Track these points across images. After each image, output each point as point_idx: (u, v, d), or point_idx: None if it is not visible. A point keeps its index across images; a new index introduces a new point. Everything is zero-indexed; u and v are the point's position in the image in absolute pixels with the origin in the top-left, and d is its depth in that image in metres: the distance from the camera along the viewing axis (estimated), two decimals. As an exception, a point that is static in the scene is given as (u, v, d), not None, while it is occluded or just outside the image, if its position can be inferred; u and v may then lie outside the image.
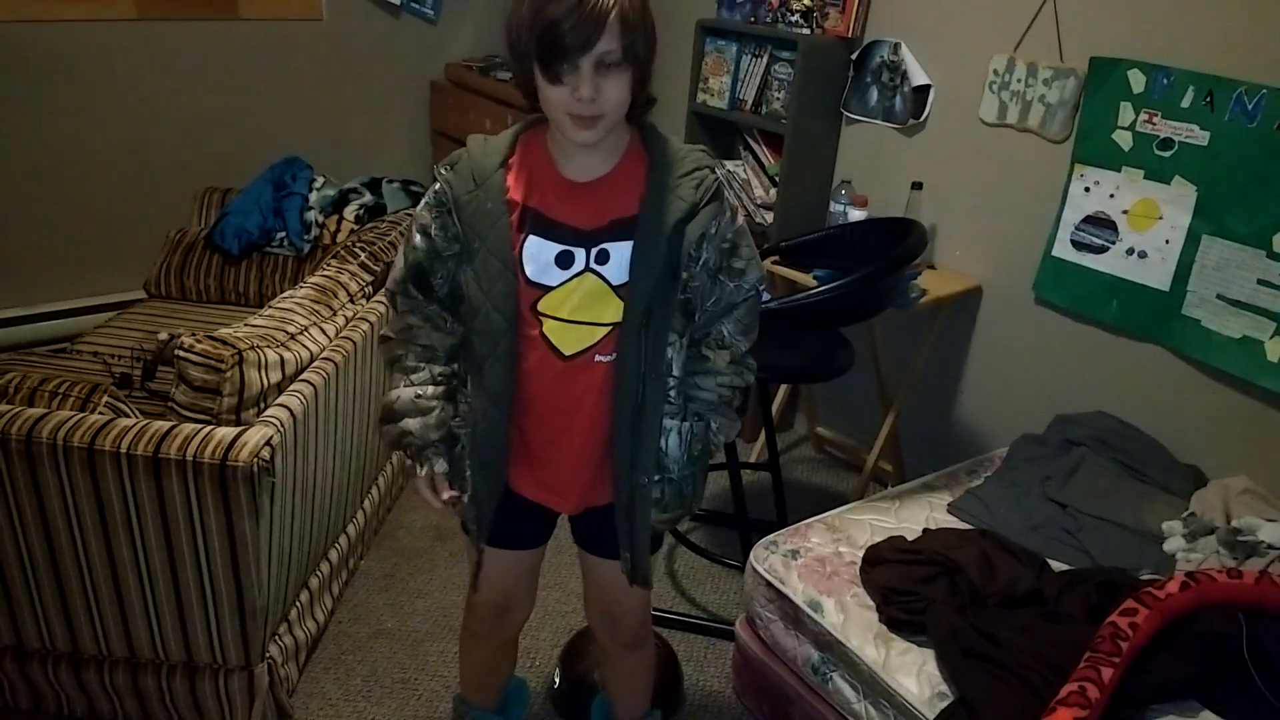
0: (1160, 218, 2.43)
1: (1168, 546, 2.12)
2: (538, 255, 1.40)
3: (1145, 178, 2.44)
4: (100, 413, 1.86)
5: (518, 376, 1.46)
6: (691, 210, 1.37)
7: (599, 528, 1.61)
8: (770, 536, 2.15)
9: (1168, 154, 2.38)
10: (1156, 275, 2.45)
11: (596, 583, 1.73)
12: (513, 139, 1.44)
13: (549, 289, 1.40)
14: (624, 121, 1.39)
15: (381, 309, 2.51)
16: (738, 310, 1.48)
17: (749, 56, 3.21)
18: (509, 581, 1.74)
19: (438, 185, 1.45)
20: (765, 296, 1.53)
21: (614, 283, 1.39)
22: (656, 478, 1.49)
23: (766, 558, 2.07)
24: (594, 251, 1.39)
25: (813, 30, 3.06)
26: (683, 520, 1.61)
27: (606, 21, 1.24)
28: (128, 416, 1.87)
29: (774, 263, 2.89)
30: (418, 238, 1.46)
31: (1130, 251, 2.50)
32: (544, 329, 1.43)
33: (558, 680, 2.22)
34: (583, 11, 1.23)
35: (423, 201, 1.49)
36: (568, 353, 1.44)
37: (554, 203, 1.40)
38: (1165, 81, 2.35)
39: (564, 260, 1.39)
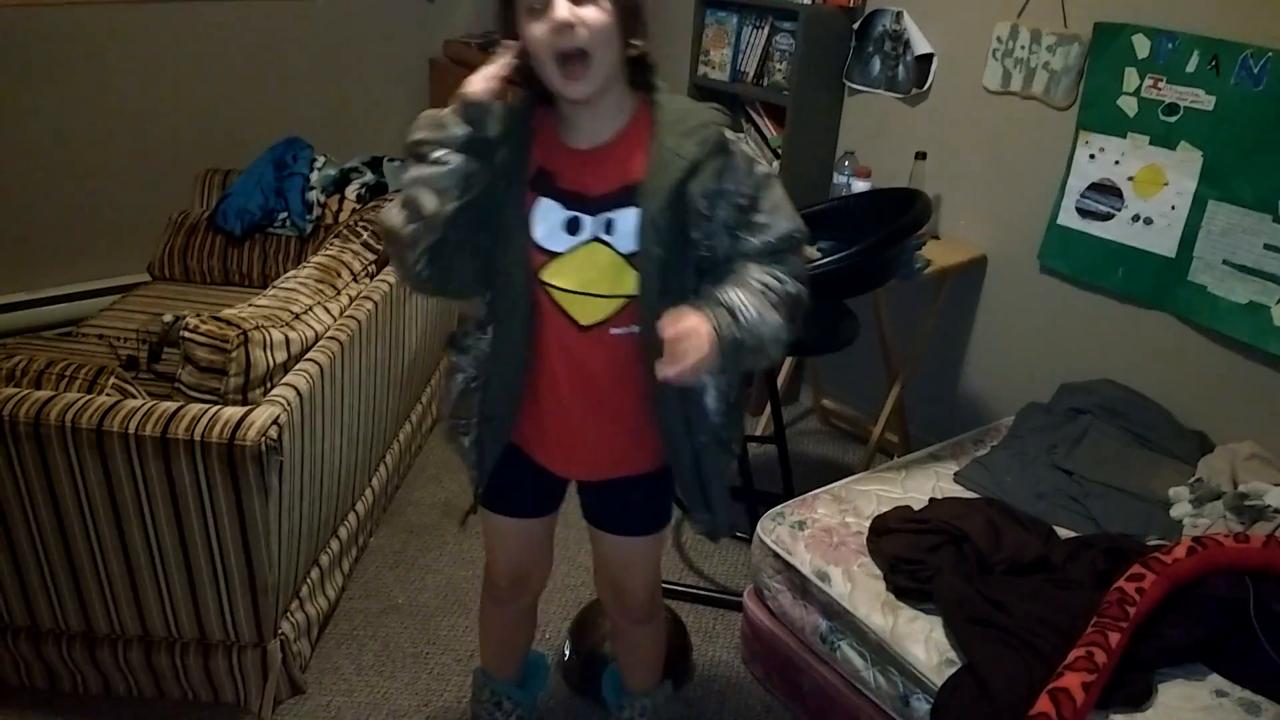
0: (1166, 184, 2.41)
1: (1174, 512, 2.13)
2: (546, 217, 1.39)
3: (1150, 144, 2.42)
4: (107, 394, 1.87)
5: (536, 340, 1.45)
6: (693, 167, 1.34)
7: (609, 502, 1.62)
8: (777, 508, 2.15)
9: (1173, 119, 2.37)
10: (1162, 242, 2.44)
11: (606, 557, 1.74)
12: (532, 102, 1.42)
13: (555, 255, 1.40)
14: (626, 87, 1.38)
15: (386, 287, 2.51)
16: (766, 257, 1.40)
17: (750, 28, 3.19)
18: (522, 548, 1.76)
19: (475, 108, 1.35)
20: (811, 249, 1.46)
21: (624, 251, 1.38)
22: (703, 436, 1.50)
23: (774, 529, 2.08)
24: (601, 220, 1.38)
25: (814, 0, 3.03)
26: (729, 464, 1.59)
27: None
28: (135, 398, 1.88)
29: (777, 235, 2.87)
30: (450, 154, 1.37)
31: (1136, 218, 2.48)
32: (554, 298, 1.42)
33: (568, 653, 2.24)
34: None
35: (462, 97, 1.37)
36: (585, 323, 1.43)
37: (563, 169, 1.40)
38: (1170, 46, 2.33)
39: (572, 226, 1.39)
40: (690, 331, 1.27)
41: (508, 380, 1.49)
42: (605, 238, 1.38)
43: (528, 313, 1.43)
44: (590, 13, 1.27)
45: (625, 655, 1.95)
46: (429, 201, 1.34)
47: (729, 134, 1.39)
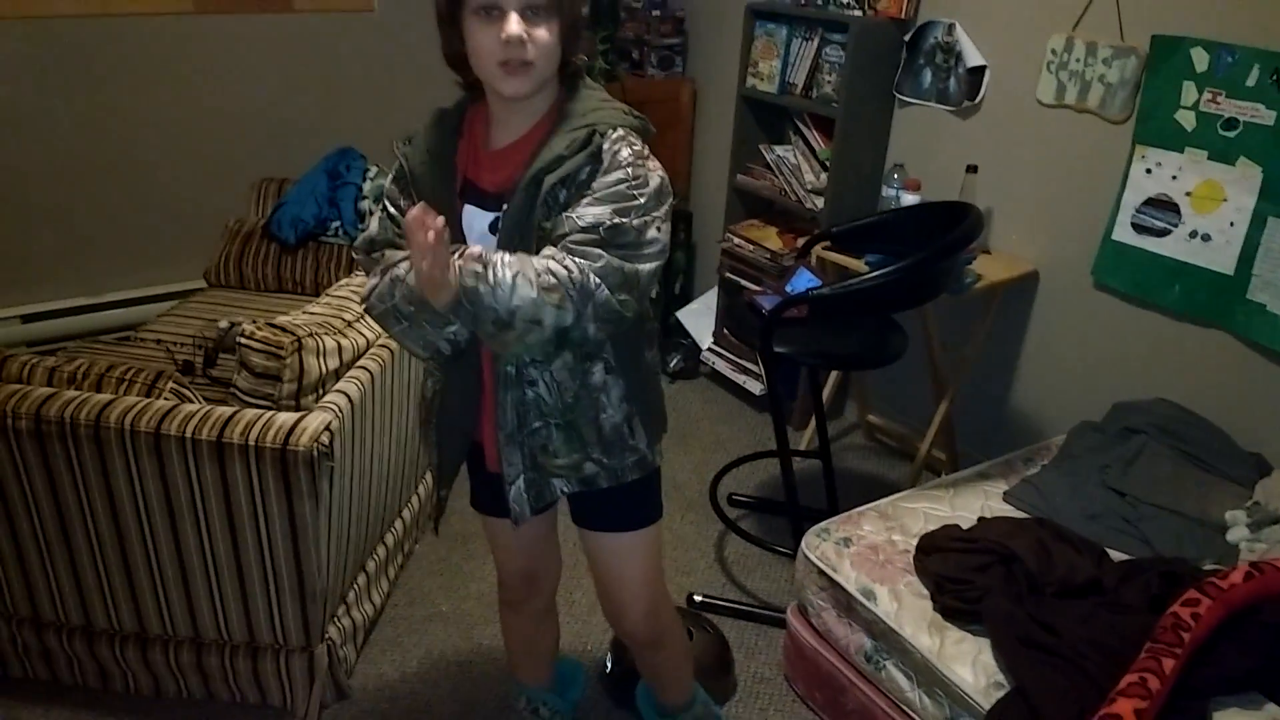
0: (1225, 199, 2.36)
1: (1231, 536, 2.08)
2: (472, 224, 1.43)
3: (1209, 159, 2.37)
4: (165, 399, 1.91)
5: (482, 345, 1.46)
6: (555, 161, 1.35)
7: (582, 497, 1.60)
8: (822, 524, 2.14)
9: (1232, 134, 2.32)
10: (1220, 258, 2.39)
11: (592, 560, 1.73)
12: (461, 110, 1.49)
13: None
14: (553, 85, 1.41)
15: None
16: (569, 238, 1.34)
17: (799, 39, 3.19)
18: (522, 547, 1.77)
19: (398, 161, 1.49)
20: (636, 251, 1.36)
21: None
22: (538, 424, 1.48)
23: (818, 545, 2.07)
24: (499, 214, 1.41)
25: (864, 12, 3.02)
26: (585, 466, 1.52)
27: None
28: (192, 402, 1.92)
29: (825, 248, 2.87)
30: (388, 208, 1.49)
31: (1193, 234, 2.44)
32: None
33: (610, 665, 2.24)
34: None
35: (386, 178, 1.52)
36: None
37: (482, 171, 1.44)
38: (1229, 60, 2.28)
39: (494, 227, 1.41)
40: (441, 250, 1.24)
41: (463, 383, 1.52)
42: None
43: None
44: (540, 33, 1.31)
45: (645, 674, 1.95)
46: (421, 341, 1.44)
47: (613, 134, 1.37)
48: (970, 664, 1.74)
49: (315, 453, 1.81)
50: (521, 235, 1.37)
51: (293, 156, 3.60)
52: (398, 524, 2.52)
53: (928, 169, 3.03)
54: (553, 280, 1.30)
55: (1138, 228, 2.55)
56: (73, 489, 1.88)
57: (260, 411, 1.87)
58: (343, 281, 2.42)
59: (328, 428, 1.85)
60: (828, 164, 3.20)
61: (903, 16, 2.99)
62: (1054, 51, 2.65)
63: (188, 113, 3.57)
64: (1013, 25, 2.76)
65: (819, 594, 2.05)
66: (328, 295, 2.33)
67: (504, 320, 1.30)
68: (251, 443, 1.80)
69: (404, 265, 1.39)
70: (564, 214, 1.35)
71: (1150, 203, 2.51)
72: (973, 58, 2.86)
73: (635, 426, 1.53)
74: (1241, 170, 2.32)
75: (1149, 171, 2.50)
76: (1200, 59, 2.34)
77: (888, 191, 3.01)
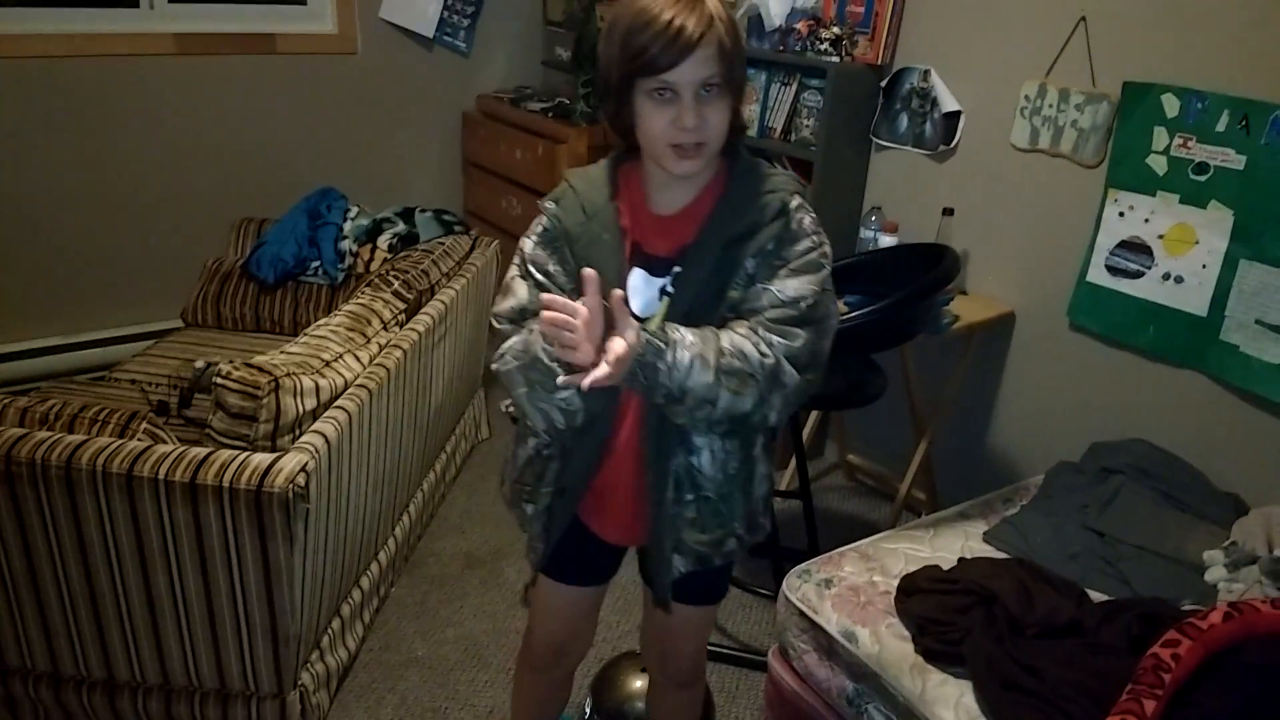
0: (1197, 242, 2.40)
1: (1209, 576, 2.08)
2: (642, 289, 1.38)
3: (1181, 202, 2.41)
4: (139, 439, 1.89)
5: (618, 406, 1.43)
6: (749, 229, 1.33)
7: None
8: (803, 565, 2.13)
9: (1203, 178, 2.36)
10: (1193, 300, 2.42)
11: (658, 621, 1.67)
12: (613, 169, 1.44)
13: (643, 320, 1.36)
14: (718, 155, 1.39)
15: (415, 336, 2.53)
16: (768, 321, 1.33)
17: (778, 84, 3.23)
18: (570, 617, 1.72)
19: (545, 221, 1.44)
20: (826, 323, 1.36)
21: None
22: (690, 497, 1.44)
23: (799, 586, 2.05)
24: (667, 280, 1.38)
25: (842, 58, 3.07)
26: (727, 543, 1.50)
27: (699, 43, 1.24)
28: (165, 443, 1.89)
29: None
30: (535, 274, 1.43)
31: (1166, 276, 2.47)
32: None
33: (588, 711, 2.20)
34: (671, 34, 1.24)
35: (529, 240, 1.45)
36: None
37: (648, 235, 1.40)
38: (1199, 105, 2.33)
39: (663, 292, 1.38)
40: (618, 341, 1.22)
41: (588, 451, 1.46)
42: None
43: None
44: (713, 114, 1.29)
45: (659, 714, 1.91)
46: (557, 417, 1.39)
47: (794, 201, 1.37)
48: (953, 707, 1.73)
49: (290, 494, 1.79)
50: (706, 302, 1.34)
51: (273, 196, 3.60)
52: (374, 566, 2.48)
53: (905, 211, 3.06)
54: (737, 365, 1.28)
55: (1112, 270, 2.58)
56: (42, 531, 1.85)
57: (235, 452, 1.85)
58: (321, 321, 2.41)
59: (303, 469, 1.82)
60: (806, 206, 3.22)
61: (879, 63, 3.04)
62: (1027, 97, 2.70)
63: (168, 152, 3.56)
64: (987, 72, 2.81)
65: (800, 636, 2.03)
66: (306, 335, 2.32)
67: (675, 397, 1.29)
68: (225, 484, 1.77)
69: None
70: (759, 285, 1.33)
71: (1123, 245, 2.54)
72: (948, 103, 2.91)
73: (769, 503, 1.52)
74: (1213, 213, 2.35)
75: (1122, 215, 2.54)
76: (1171, 105, 2.39)
77: (866, 233, 3.04)
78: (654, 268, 1.39)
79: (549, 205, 1.45)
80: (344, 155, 3.92)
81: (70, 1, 3.28)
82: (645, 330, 1.27)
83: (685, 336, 1.28)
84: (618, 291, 1.22)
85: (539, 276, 1.43)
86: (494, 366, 1.42)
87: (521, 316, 1.42)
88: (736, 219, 1.34)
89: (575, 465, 1.47)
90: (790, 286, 1.33)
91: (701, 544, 1.48)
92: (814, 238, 1.36)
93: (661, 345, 1.26)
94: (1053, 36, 2.61)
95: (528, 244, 1.46)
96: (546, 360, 1.31)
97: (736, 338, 1.30)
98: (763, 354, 1.30)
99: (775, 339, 1.31)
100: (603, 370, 1.22)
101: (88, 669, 2.01)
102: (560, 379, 1.28)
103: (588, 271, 1.23)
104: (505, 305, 1.44)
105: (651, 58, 1.25)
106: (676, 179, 1.37)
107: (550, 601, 1.71)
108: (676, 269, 1.37)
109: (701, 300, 1.35)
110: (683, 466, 1.42)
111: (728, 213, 1.36)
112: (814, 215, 1.38)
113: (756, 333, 1.31)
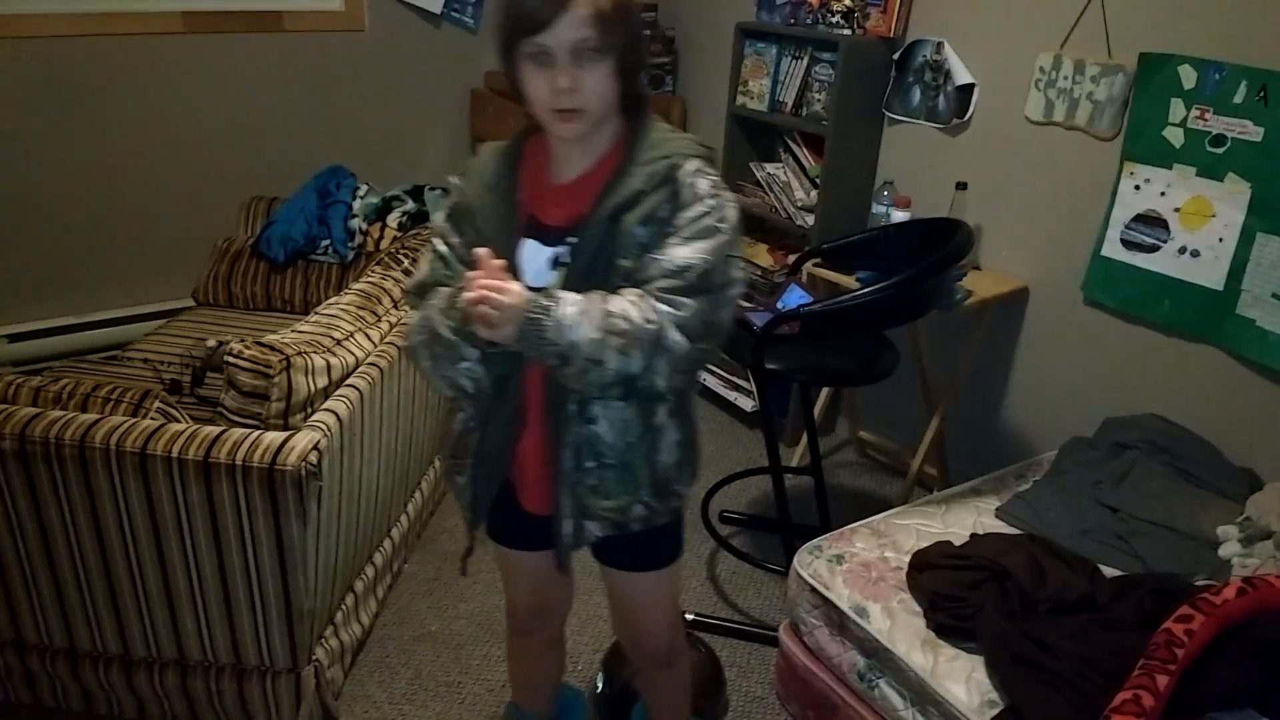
0: (1213, 215, 2.37)
1: (1223, 551, 2.08)
2: (532, 259, 1.39)
3: (1197, 175, 2.39)
4: (152, 418, 1.89)
5: (524, 378, 1.43)
6: (634, 198, 1.32)
7: (609, 540, 1.55)
8: (814, 541, 2.13)
9: (1220, 150, 2.33)
10: (1210, 274, 2.40)
11: (617, 595, 1.71)
12: (519, 142, 1.46)
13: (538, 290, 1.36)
14: (617, 118, 1.39)
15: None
16: (660, 290, 1.31)
17: (789, 58, 3.20)
18: (535, 580, 1.73)
19: (454, 195, 1.47)
20: (723, 292, 1.34)
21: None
22: (591, 464, 1.43)
23: (811, 562, 2.05)
24: (561, 250, 1.38)
25: (854, 31, 3.04)
26: (633, 508, 1.48)
27: (570, 3, 1.25)
28: (178, 422, 1.90)
29: (815, 265, 2.87)
30: (440, 246, 1.46)
31: (1182, 250, 2.44)
32: None
33: (600, 685, 2.22)
34: None
35: (439, 214, 1.50)
36: None
37: (545, 205, 1.41)
38: (1217, 77, 2.30)
39: (554, 263, 1.38)
40: (505, 289, 1.24)
41: (501, 422, 1.47)
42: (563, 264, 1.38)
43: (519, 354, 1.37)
44: (591, 78, 1.29)
45: (649, 696, 1.93)
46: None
47: (689, 165, 1.34)
48: (964, 682, 1.73)
49: (303, 472, 1.79)
50: (598, 273, 1.34)
51: (282, 175, 3.59)
52: (386, 543, 2.49)
53: (917, 186, 3.04)
54: (623, 325, 1.27)
55: (1127, 244, 2.55)
56: (57, 510, 1.86)
57: (248, 431, 1.86)
58: (332, 300, 2.41)
59: (316, 447, 1.83)
60: (818, 181, 3.21)
61: (891, 35, 3.01)
62: (1042, 69, 2.67)
63: (177, 131, 3.56)
64: (1001, 43, 2.77)
65: (811, 612, 2.04)
66: (317, 313, 2.31)
67: (565, 355, 1.28)
68: (238, 462, 1.78)
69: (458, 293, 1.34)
70: (649, 254, 1.32)
71: (1139, 219, 2.52)
72: (961, 76, 2.88)
73: (683, 469, 1.51)
74: (1229, 186, 2.33)
75: (1137, 188, 2.51)
76: (1188, 76, 2.35)
77: (878, 208, 3.02)
78: (548, 238, 1.39)
79: (453, 180, 1.48)
80: (352, 133, 3.91)
81: (77, -20, 3.27)
82: (531, 289, 1.29)
83: (570, 295, 1.30)
84: (499, 261, 1.24)
85: (441, 249, 1.46)
86: (403, 344, 1.46)
87: (421, 291, 1.45)
88: (624, 187, 1.34)
89: (491, 435, 1.49)
90: (679, 255, 1.31)
91: (608, 510, 1.48)
92: (708, 201, 1.32)
93: (546, 302, 1.27)
94: (1068, 7, 2.58)
95: (439, 217, 1.50)
96: (448, 335, 1.36)
97: (623, 301, 1.30)
98: (647, 319, 1.29)
99: (663, 307, 1.30)
100: (490, 311, 1.24)
101: (104, 645, 2.03)
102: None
103: (479, 250, 1.26)
104: (410, 280, 1.50)
105: (524, 17, 1.27)
106: (575, 146, 1.38)
107: (509, 567, 1.75)
108: (571, 239, 1.36)
109: (595, 270, 1.34)
110: (582, 435, 1.42)
111: (617, 181, 1.35)
112: (715, 178, 1.35)
113: (644, 299, 1.30)
